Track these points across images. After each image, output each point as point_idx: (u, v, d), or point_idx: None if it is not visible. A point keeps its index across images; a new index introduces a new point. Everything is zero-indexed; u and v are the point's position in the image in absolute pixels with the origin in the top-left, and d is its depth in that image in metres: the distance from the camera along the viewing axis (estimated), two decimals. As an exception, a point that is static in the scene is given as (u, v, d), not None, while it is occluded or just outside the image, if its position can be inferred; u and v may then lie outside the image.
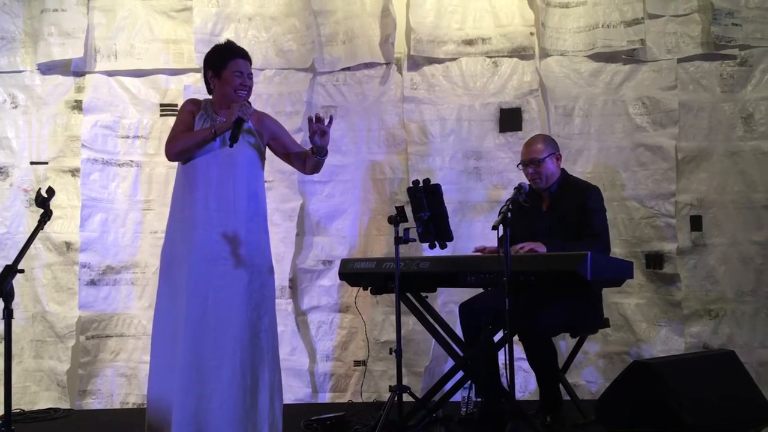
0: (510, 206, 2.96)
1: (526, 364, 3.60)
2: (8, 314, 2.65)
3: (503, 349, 3.02)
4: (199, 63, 3.26)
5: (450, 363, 3.64)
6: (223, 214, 3.00)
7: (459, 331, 3.54)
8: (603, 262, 3.12)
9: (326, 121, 3.00)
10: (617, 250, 4.16)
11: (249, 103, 3.05)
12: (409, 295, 3.49)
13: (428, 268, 3.34)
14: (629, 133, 4.31)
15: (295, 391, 4.27)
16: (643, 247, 4.23)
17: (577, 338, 3.60)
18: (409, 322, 4.12)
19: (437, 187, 3.17)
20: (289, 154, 3.22)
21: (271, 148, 3.23)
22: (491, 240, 3.62)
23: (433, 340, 3.68)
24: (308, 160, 3.14)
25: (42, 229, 2.82)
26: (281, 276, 4.26)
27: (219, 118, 3.07)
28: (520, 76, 4.42)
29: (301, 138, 4.09)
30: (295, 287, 4.41)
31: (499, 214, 2.93)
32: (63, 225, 4.42)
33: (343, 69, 4.48)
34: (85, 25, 4.46)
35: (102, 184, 4.42)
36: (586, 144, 4.34)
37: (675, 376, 2.93)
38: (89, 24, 4.49)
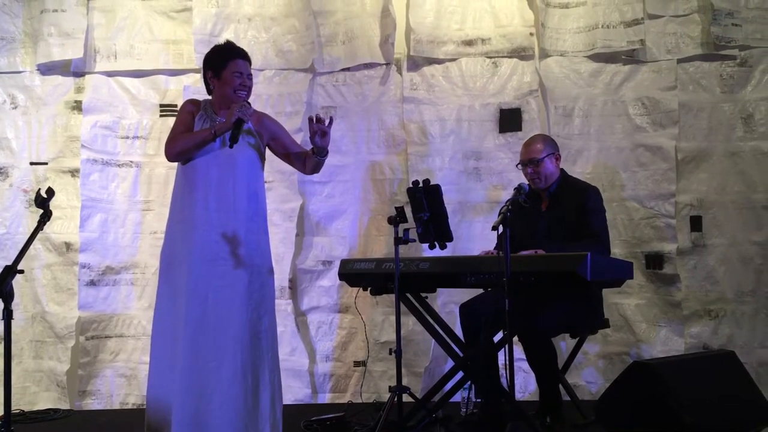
0: (510, 207, 2.96)
1: (526, 365, 3.60)
2: (8, 315, 2.65)
3: (503, 349, 3.02)
4: (198, 63, 3.26)
5: (450, 363, 3.64)
6: (223, 214, 3.00)
7: (459, 332, 3.54)
8: (603, 262, 3.12)
9: (326, 122, 3.00)
10: (617, 251, 4.16)
11: (249, 103, 3.04)
12: (408, 295, 3.49)
13: (428, 269, 3.33)
14: (629, 134, 4.31)
15: (294, 392, 4.27)
16: (643, 248, 4.23)
17: (577, 339, 3.59)
18: (409, 322, 4.12)
19: (437, 187, 3.17)
20: (289, 154, 3.22)
21: (271, 149, 3.23)
22: (491, 240, 3.63)
23: (433, 340, 3.68)
24: (308, 160, 3.14)
25: (42, 229, 2.82)
26: (281, 276, 4.26)
27: (219, 118, 3.07)
28: (520, 77, 4.42)
29: (301, 138, 4.09)
30: (294, 288, 4.41)
31: (498, 215, 2.93)
32: (63, 225, 4.42)
33: (343, 69, 4.48)
34: (84, 26, 4.47)
35: (102, 184, 4.42)
36: (585, 144, 4.34)
37: (675, 376, 2.93)
38: (89, 24, 4.49)
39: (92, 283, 4.37)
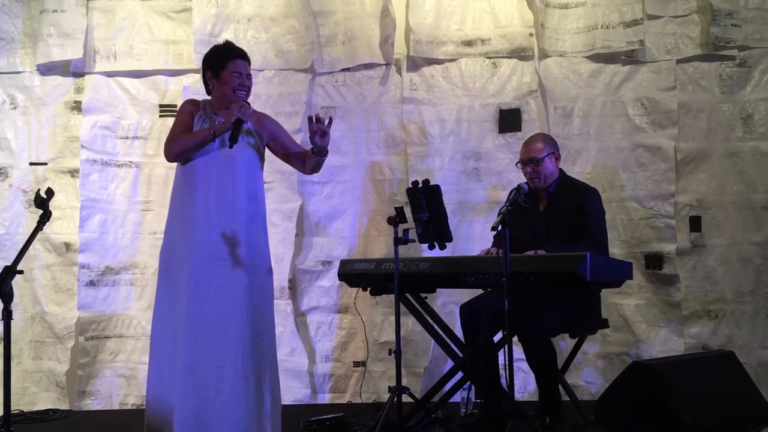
0: (509, 207, 2.96)
1: (525, 365, 3.60)
2: (7, 315, 2.65)
3: (503, 349, 3.02)
4: (198, 64, 3.26)
5: (449, 364, 3.64)
6: (223, 214, 3.00)
7: (458, 332, 3.54)
8: (602, 263, 3.12)
9: (326, 122, 3.00)
10: (616, 251, 4.16)
11: (248, 103, 3.04)
12: (408, 295, 3.49)
13: (428, 269, 3.33)
14: (628, 134, 4.31)
15: (294, 392, 4.27)
16: (642, 248, 4.23)
17: (577, 339, 3.59)
18: (409, 322, 4.12)
19: (436, 187, 3.17)
20: (289, 154, 3.22)
21: (270, 149, 3.23)
22: (490, 240, 3.63)
23: (433, 340, 3.68)
24: (308, 160, 3.14)
25: (41, 229, 2.82)
26: (280, 277, 4.26)
27: (218, 118, 3.07)
28: (520, 77, 4.42)
29: (301, 139, 4.09)
30: (294, 288, 4.41)
31: (498, 215, 2.93)
32: (62, 226, 4.41)
33: (343, 70, 4.48)
34: (84, 26, 4.46)
35: (101, 184, 4.42)
36: (585, 145, 4.34)
37: (674, 376, 2.93)
38: (88, 25, 4.49)
39: (92, 284, 4.37)
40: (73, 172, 4.46)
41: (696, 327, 4.18)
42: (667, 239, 4.18)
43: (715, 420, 2.85)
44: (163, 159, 3.14)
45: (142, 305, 4.38)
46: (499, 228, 2.87)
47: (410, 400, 3.34)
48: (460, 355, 3.41)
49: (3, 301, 2.64)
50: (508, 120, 4.39)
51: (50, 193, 2.85)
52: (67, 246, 4.41)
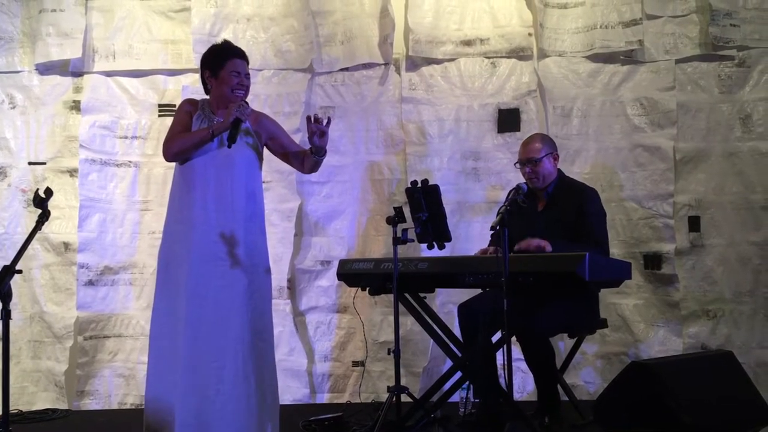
0: (508, 207, 2.97)
1: (524, 365, 3.60)
2: (6, 315, 2.64)
3: (501, 349, 3.02)
4: (197, 63, 3.26)
5: (448, 363, 3.64)
6: (222, 214, 2.99)
7: (457, 332, 3.54)
8: (601, 262, 3.12)
9: (324, 122, 3.00)
10: (615, 251, 4.16)
11: (246, 103, 3.04)
12: (407, 295, 3.49)
13: (426, 269, 3.33)
14: (627, 134, 4.31)
15: (293, 392, 4.27)
16: (641, 248, 4.23)
17: (575, 339, 3.60)
18: (408, 322, 4.12)
19: (435, 187, 3.17)
20: (288, 153, 3.22)
21: (269, 148, 3.23)
22: (489, 240, 3.63)
23: (432, 340, 3.68)
24: (307, 159, 3.13)
25: (40, 229, 2.81)
26: (279, 276, 4.26)
27: (216, 118, 3.07)
28: (519, 77, 4.42)
29: (300, 138, 4.09)
30: (293, 288, 4.41)
31: (497, 215, 2.93)
32: (61, 225, 4.41)
33: (342, 69, 4.48)
34: (83, 26, 4.46)
35: (100, 184, 4.42)
36: (584, 144, 4.34)
37: (673, 376, 2.93)
38: (87, 24, 4.49)
39: (90, 283, 4.37)
40: (72, 172, 4.46)
41: (695, 327, 4.18)
42: (666, 239, 4.19)
43: (713, 420, 2.85)
44: (161, 159, 3.14)
45: (141, 305, 4.38)
46: (498, 228, 2.87)
47: (409, 399, 3.34)
48: (459, 354, 3.41)
49: (2, 301, 2.63)
50: (507, 120, 4.39)
51: (49, 192, 2.84)
52: (66, 245, 4.41)
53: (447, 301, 4.21)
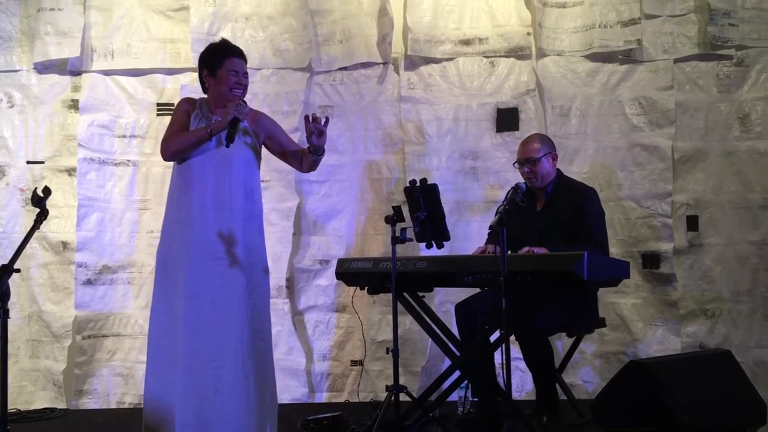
0: (507, 206, 2.97)
1: (522, 364, 3.61)
2: (4, 314, 2.64)
3: (500, 348, 3.02)
4: (195, 62, 3.26)
5: (447, 362, 3.64)
6: (220, 213, 2.99)
7: (456, 331, 3.54)
8: (599, 262, 3.12)
9: (322, 121, 2.99)
10: (614, 250, 4.16)
11: (244, 102, 3.04)
12: (406, 294, 3.49)
13: (425, 268, 3.33)
14: (626, 133, 4.31)
15: (292, 391, 4.26)
16: (639, 247, 4.23)
17: (574, 338, 3.60)
18: (406, 321, 4.12)
19: (434, 186, 3.17)
20: (286, 152, 3.22)
21: (267, 147, 3.22)
22: (486, 239, 3.63)
23: (430, 339, 3.68)
24: (305, 158, 3.13)
25: (38, 228, 2.80)
26: (278, 275, 4.26)
27: (214, 117, 3.06)
28: (517, 76, 4.42)
29: (298, 138, 4.09)
30: (292, 287, 4.41)
31: (496, 214, 2.93)
32: (59, 224, 4.41)
33: (340, 68, 4.48)
34: (81, 24, 4.46)
35: (98, 183, 4.41)
36: (582, 144, 4.34)
37: (671, 375, 2.93)
38: (86, 23, 4.48)
39: (89, 282, 4.36)
40: (71, 171, 4.45)
41: (693, 326, 4.19)
42: (664, 238, 4.19)
43: (711, 419, 2.85)
44: (160, 158, 3.14)
45: (139, 304, 4.37)
46: (496, 227, 2.87)
47: (408, 399, 3.34)
48: (458, 354, 3.41)
49: (0, 300, 2.63)
50: (506, 119, 4.39)
51: (47, 191, 2.84)
52: (64, 245, 4.41)
53: (445, 301, 4.21)
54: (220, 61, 3.07)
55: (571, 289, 3.07)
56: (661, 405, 2.81)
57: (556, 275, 2.98)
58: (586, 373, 4.22)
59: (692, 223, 4.23)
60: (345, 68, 4.48)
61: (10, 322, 2.72)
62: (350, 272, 3.61)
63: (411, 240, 3.19)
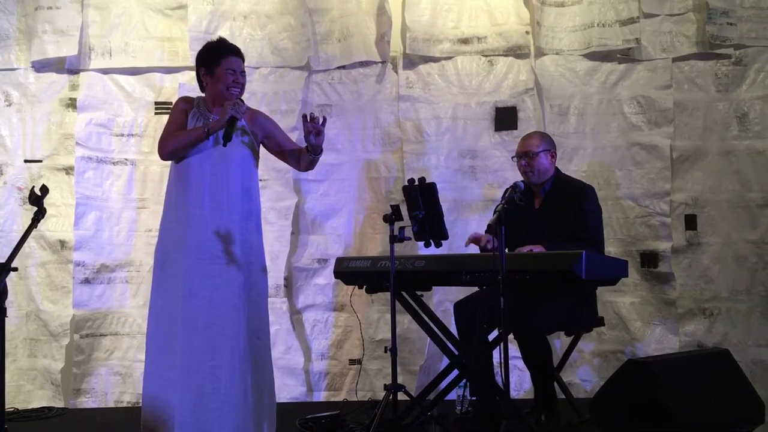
0: (505, 205, 2.97)
1: (521, 363, 3.60)
2: (2, 313, 2.64)
3: (498, 347, 3.02)
4: (193, 61, 3.26)
5: (445, 361, 3.64)
6: (217, 213, 2.99)
7: (454, 330, 3.54)
8: (598, 261, 3.13)
9: (320, 121, 2.98)
10: (612, 249, 4.17)
11: (242, 101, 3.04)
12: (404, 293, 3.49)
13: (423, 267, 3.33)
14: (624, 132, 4.31)
15: (290, 390, 4.26)
16: (637, 246, 4.23)
17: (572, 337, 3.60)
18: (405, 320, 4.11)
19: (432, 185, 3.17)
20: (284, 151, 3.22)
21: (265, 146, 3.22)
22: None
23: (428, 338, 3.68)
24: (303, 157, 3.13)
25: (36, 227, 2.81)
26: (276, 274, 4.26)
27: (212, 116, 3.06)
28: (516, 75, 4.42)
29: (297, 136, 4.09)
30: (290, 286, 4.41)
31: (494, 213, 2.93)
32: (57, 223, 4.40)
33: (339, 67, 4.48)
34: (79, 23, 4.45)
35: (96, 182, 4.41)
36: (581, 143, 4.34)
37: (669, 374, 2.93)
38: (84, 21, 4.47)
39: (87, 281, 4.36)
40: (68, 170, 4.44)
41: (691, 325, 4.19)
42: (663, 237, 4.19)
43: (710, 418, 2.85)
44: (158, 157, 3.13)
45: (137, 303, 4.37)
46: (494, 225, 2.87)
47: (406, 398, 3.34)
48: (456, 352, 3.41)
49: (-3, 299, 2.63)
50: (504, 118, 4.39)
51: (45, 190, 2.83)
52: (62, 243, 4.40)
53: (444, 299, 4.20)
54: (217, 59, 3.07)
55: (570, 287, 3.08)
56: (659, 404, 2.81)
57: (554, 274, 2.98)
58: (585, 372, 4.22)
59: (690, 222, 4.23)
60: (343, 67, 4.48)
61: (7, 320, 2.73)
62: (348, 271, 3.61)
63: (409, 239, 3.19)
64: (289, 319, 4.36)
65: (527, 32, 4.42)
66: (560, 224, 3.42)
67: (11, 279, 2.73)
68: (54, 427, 3.93)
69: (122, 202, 4.42)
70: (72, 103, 4.48)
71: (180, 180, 3.03)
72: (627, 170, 4.28)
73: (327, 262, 4.35)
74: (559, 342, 4.11)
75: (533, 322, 3.15)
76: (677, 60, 4.31)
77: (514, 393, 4.06)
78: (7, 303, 2.68)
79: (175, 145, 3.00)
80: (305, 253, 4.43)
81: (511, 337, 3.17)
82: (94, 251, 4.37)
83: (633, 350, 4.17)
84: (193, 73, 3.28)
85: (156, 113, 4.48)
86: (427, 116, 4.42)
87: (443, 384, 3.47)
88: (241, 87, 3.10)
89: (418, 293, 3.53)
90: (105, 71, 4.49)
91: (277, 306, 4.25)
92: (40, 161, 4.47)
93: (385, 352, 3.21)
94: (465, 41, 4.45)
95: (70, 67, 4.49)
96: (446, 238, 3.18)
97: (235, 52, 3.10)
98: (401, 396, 3.21)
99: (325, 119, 3.00)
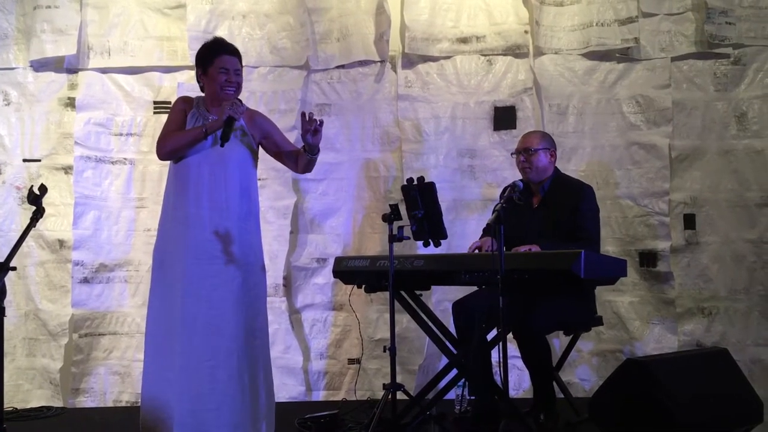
0: (504, 204, 2.96)
1: (519, 362, 3.60)
2: (0, 312, 2.64)
3: (497, 346, 3.02)
4: (192, 60, 3.26)
5: (444, 361, 3.64)
6: (216, 213, 2.99)
7: (453, 329, 3.54)
8: (597, 260, 3.13)
9: (318, 122, 2.96)
10: (611, 248, 4.17)
11: (240, 101, 3.03)
12: (403, 293, 3.49)
13: (422, 266, 3.33)
14: (623, 132, 4.31)
15: (289, 390, 4.26)
16: (636, 246, 4.23)
17: (571, 336, 3.60)
18: (403, 320, 4.11)
19: (431, 185, 3.17)
20: (281, 152, 3.20)
21: (263, 147, 3.21)
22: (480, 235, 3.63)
23: (427, 338, 3.67)
24: (300, 158, 3.11)
25: (34, 226, 2.80)
26: (275, 274, 4.26)
27: (211, 116, 3.05)
28: (515, 75, 4.42)
29: (296, 136, 4.08)
30: (289, 285, 4.41)
31: (493, 212, 2.93)
32: (56, 222, 4.40)
33: (338, 67, 4.48)
34: (78, 22, 4.44)
35: (95, 181, 4.41)
36: (580, 142, 4.34)
37: (668, 374, 2.93)
38: (82, 21, 4.47)
39: (86, 281, 4.35)
40: (67, 169, 4.44)
41: (690, 324, 4.19)
42: (661, 237, 4.19)
43: (708, 417, 2.85)
44: (156, 156, 3.13)
45: (136, 302, 4.36)
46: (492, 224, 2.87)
47: (405, 397, 3.34)
48: (455, 352, 3.41)
49: (-4, 298, 2.63)
50: (503, 117, 4.39)
51: (43, 189, 2.83)
52: (61, 243, 4.40)
53: (443, 299, 4.20)
54: (210, 59, 3.06)
55: (569, 287, 3.07)
56: (657, 403, 2.81)
57: (553, 273, 2.98)
58: (583, 372, 4.23)
59: (689, 221, 4.23)
60: (342, 66, 4.47)
61: (6, 320, 2.73)
62: (347, 270, 3.61)
63: (408, 238, 3.19)
64: (288, 319, 4.36)
65: (526, 32, 4.42)
66: (558, 223, 3.42)
67: (10, 278, 2.73)
68: (53, 426, 3.92)
69: (121, 201, 4.42)
70: (71, 103, 4.48)
71: (178, 180, 3.03)
72: (626, 169, 4.28)
73: (326, 262, 4.35)
74: (558, 341, 4.11)
75: (532, 321, 3.15)
76: (676, 59, 4.31)
77: (513, 392, 4.06)
78: (6, 302, 2.67)
79: (173, 146, 3.00)
80: (304, 252, 4.43)
81: (510, 336, 3.17)
82: (93, 251, 4.37)
83: (632, 349, 4.17)
84: (192, 73, 3.29)
85: (155, 112, 4.48)
86: (426, 116, 4.42)
87: (442, 383, 3.47)
88: (236, 86, 3.07)
89: (417, 292, 3.53)
90: (104, 70, 4.49)
91: (276, 305, 4.25)
92: (39, 160, 4.47)
93: (384, 351, 3.21)
94: (464, 41, 4.45)
95: (69, 66, 4.49)
96: (445, 237, 3.18)
97: (229, 50, 3.08)
98: (400, 395, 3.21)
99: (321, 122, 2.98)
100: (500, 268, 2.85)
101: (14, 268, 2.72)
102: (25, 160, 4.48)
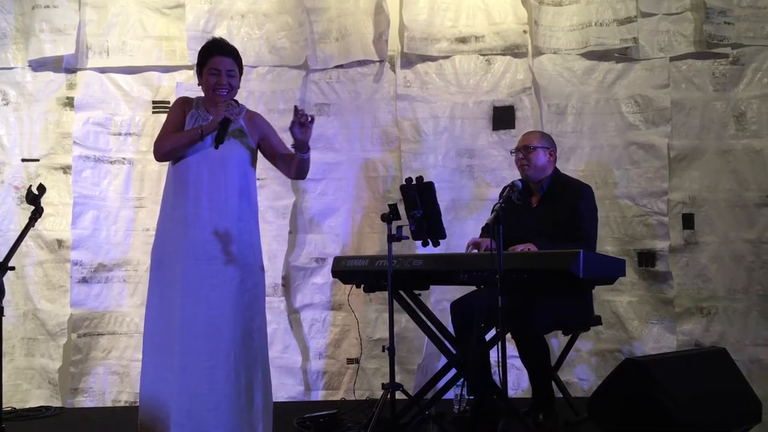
0: (503, 204, 2.97)
1: (518, 362, 3.61)
2: (-1, 312, 2.64)
3: (496, 346, 3.02)
4: (191, 60, 3.26)
5: (443, 361, 3.64)
6: (215, 213, 2.98)
7: (452, 329, 3.54)
8: (595, 260, 3.13)
9: (308, 117, 2.92)
10: (609, 248, 4.17)
11: (236, 101, 3.00)
12: (402, 292, 3.49)
13: (421, 266, 3.33)
14: (622, 132, 4.32)
15: (287, 389, 4.26)
16: (635, 245, 4.24)
17: (570, 336, 3.60)
18: (402, 319, 4.12)
19: (430, 184, 3.17)
20: (276, 155, 3.16)
21: (259, 148, 3.19)
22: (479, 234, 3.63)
23: (426, 337, 3.68)
24: (293, 162, 3.07)
25: (33, 226, 2.80)
26: (274, 274, 4.26)
27: (211, 116, 3.04)
28: (513, 74, 4.42)
29: (294, 135, 4.08)
30: (288, 285, 4.41)
31: (492, 212, 2.93)
32: (54, 222, 4.40)
33: (337, 66, 4.48)
34: (76, 22, 4.44)
35: (94, 181, 4.40)
36: (578, 142, 4.35)
37: (667, 373, 2.93)
38: (81, 20, 4.47)
39: (84, 281, 4.35)
40: (66, 169, 4.44)
41: (688, 324, 4.20)
42: (660, 236, 4.19)
43: (707, 417, 2.86)
44: (155, 156, 3.13)
45: (135, 302, 4.36)
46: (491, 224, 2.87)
47: (404, 397, 3.34)
48: (454, 352, 3.41)
49: (-5, 298, 2.63)
50: (502, 117, 4.39)
51: (42, 189, 2.83)
52: (60, 243, 4.40)
53: (442, 299, 4.21)
54: (204, 60, 3.04)
55: (567, 287, 3.08)
56: (656, 403, 2.81)
57: (552, 273, 2.98)
58: (582, 371, 4.23)
59: (688, 221, 4.24)
60: (341, 66, 4.47)
61: (5, 320, 2.72)
62: (346, 270, 3.61)
63: (407, 238, 3.19)
64: (286, 319, 4.36)
65: (525, 31, 4.42)
66: (557, 223, 3.42)
67: (8, 278, 2.72)
68: (51, 426, 3.92)
69: (120, 201, 4.42)
70: (69, 102, 4.48)
71: (177, 179, 3.02)
72: (624, 169, 4.28)
73: (325, 261, 4.35)
74: (556, 341, 4.11)
75: (531, 321, 3.15)
76: (675, 59, 4.32)
77: (512, 392, 4.06)
78: (5, 302, 2.67)
79: (170, 147, 2.99)
80: (303, 252, 4.43)
81: (508, 336, 3.17)
82: (92, 250, 4.37)
83: (630, 349, 4.18)
84: (191, 72, 3.30)
85: (153, 112, 4.48)
86: (424, 115, 4.42)
87: (441, 383, 3.47)
88: (229, 87, 3.03)
89: (416, 292, 3.53)
90: (102, 70, 4.48)
91: (274, 305, 4.25)
92: (38, 160, 4.47)
93: (383, 351, 3.21)
94: (463, 40, 4.45)
95: (68, 66, 4.49)
96: (444, 237, 3.18)
97: (222, 51, 3.03)
98: (399, 395, 3.21)
99: (312, 118, 2.93)
100: (499, 268, 2.84)
101: (13, 268, 2.72)
102: (23, 160, 4.47)
